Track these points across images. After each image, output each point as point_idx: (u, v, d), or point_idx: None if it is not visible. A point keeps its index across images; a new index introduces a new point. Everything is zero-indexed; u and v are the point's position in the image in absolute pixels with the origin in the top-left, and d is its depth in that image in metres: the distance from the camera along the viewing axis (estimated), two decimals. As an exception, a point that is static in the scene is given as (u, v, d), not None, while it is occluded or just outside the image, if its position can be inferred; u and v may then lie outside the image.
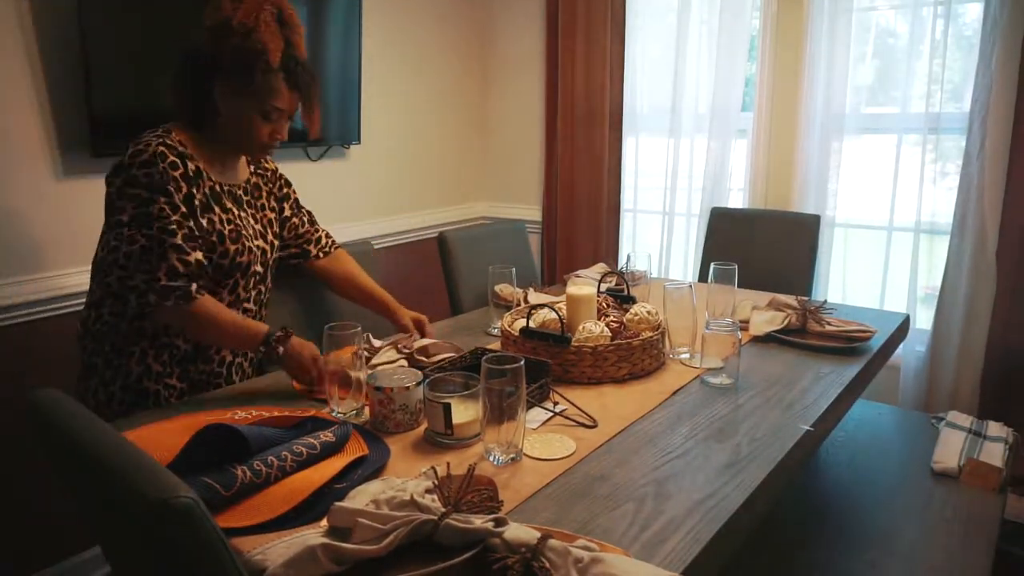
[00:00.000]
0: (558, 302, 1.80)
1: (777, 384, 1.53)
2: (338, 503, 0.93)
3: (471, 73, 3.37)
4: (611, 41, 2.97)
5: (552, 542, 0.86)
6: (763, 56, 2.69)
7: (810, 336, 1.80)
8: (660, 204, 3.01)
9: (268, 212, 1.64)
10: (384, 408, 1.27)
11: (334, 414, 1.35)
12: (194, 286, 1.38)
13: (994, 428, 1.91)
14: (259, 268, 1.57)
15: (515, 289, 1.95)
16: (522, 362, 1.15)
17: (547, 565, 0.84)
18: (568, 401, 1.40)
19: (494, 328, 1.87)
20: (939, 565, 1.42)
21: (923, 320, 2.55)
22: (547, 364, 1.44)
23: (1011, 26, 2.18)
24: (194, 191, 1.42)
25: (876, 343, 1.78)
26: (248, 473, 1.03)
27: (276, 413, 1.32)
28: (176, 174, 1.39)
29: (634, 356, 1.53)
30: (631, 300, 1.82)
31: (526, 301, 1.99)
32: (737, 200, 2.92)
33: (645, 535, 0.98)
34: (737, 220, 2.70)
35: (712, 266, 1.85)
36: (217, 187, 1.49)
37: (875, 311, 2.13)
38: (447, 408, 1.21)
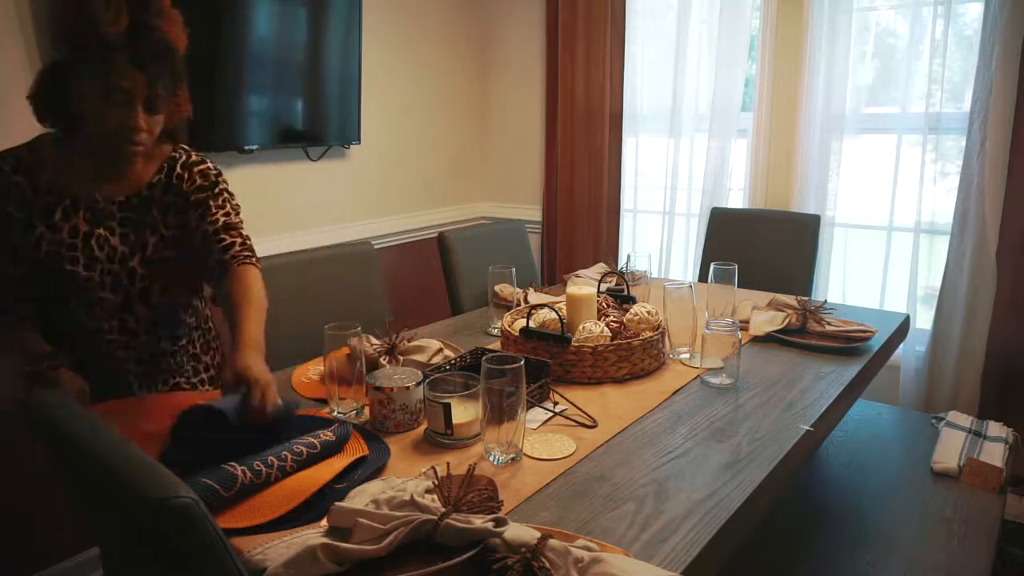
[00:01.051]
0: (558, 302, 1.81)
1: (777, 384, 1.53)
2: (338, 503, 0.93)
3: (471, 73, 3.37)
4: (611, 41, 2.97)
5: (552, 542, 0.86)
6: (763, 56, 2.69)
7: (810, 336, 1.80)
8: (660, 204, 3.01)
9: (152, 231, 1.37)
10: (384, 408, 1.27)
11: (334, 414, 1.35)
12: None
13: (994, 428, 1.91)
14: (109, 295, 1.34)
15: (515, 289, 1.95)
16: (522, 362, 1.15)
17: (547, 565, 0.84)
18: (568, 401, 1.40)
19: (494, 328, 1.87)
20: (939, 565, 1.42)
21: (923, 320, 2.55)
22: (547, 364, 1.44)
23: (1011, 26, 2.18)
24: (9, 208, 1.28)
25: (876, 343, 1.78)
26: (248, 473, 1.03)
27: None
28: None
29: (634, 356, 1.53)
30: (631, 300, 1.82)
31: (526, 301, 1.99)
32: (737, 200, 2.92)
33: (645, 535, 0.98)
34: (737, 220, 2.70)
35: (712, 266, 1.85)
36: (66, 203, 1.31)
37: (875, 311, 2.13)
38: (447, 408, 1.21)
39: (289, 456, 1.09)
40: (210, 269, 1.43)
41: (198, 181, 1.41)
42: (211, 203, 1.42)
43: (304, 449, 1.11)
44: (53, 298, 1.33)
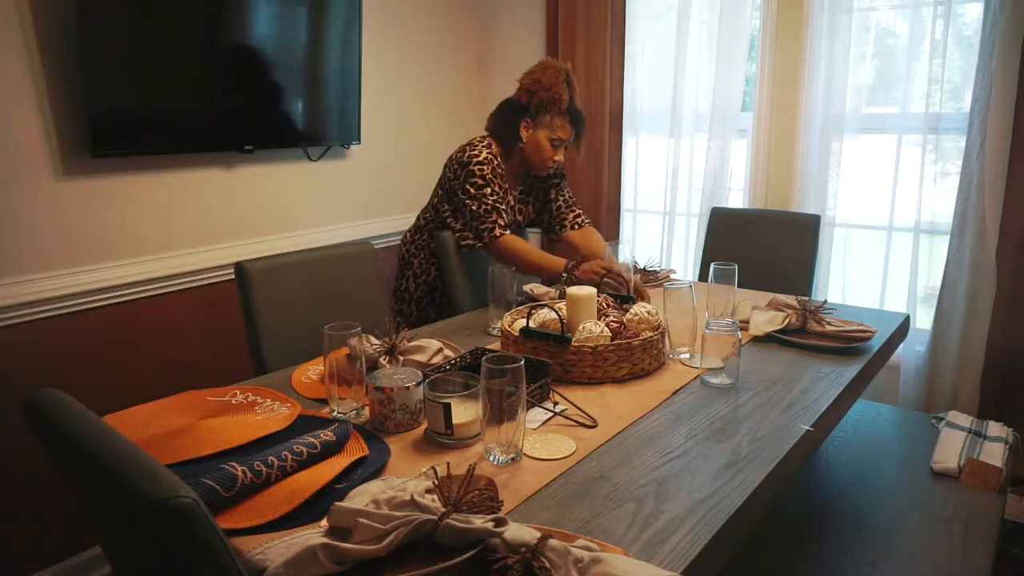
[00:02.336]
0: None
1: (777, 384, 1.53)
2: (338, 503, 0.93)
3: (471, 73, 3.37)
4: (611, 41, 2.97)
5: (552, 542, 0.86)
6: (763, 56, 2.69)
7: (810, 336, 1.80)
8: (660, 204, 3.02)
9: (529, 207, 2.35)
10: (384, 408, 1.27)
11: (334, 414, 1.35)
12: (499, 231, 2.08)
13: (994, 428, 1.91)
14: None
15: (547, 288, 2.03)
16: (522, 362, 1.15)
17: (547, 565, 0.84)
18: (568, 401, 1.40)
19: (494, 328, 1.87)
20: (939, 565, 1.42)
21: (923, 320, 2.55)
22: (547, 364, 1.44)
23: (1011, 26, 2.18)
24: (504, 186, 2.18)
25: (876, 343, 1.78)
26: (248, 473, 1.03)
27: (271, 396, 1.34)
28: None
29: (634, 356, 1.53)
30: (631, 300, 1.82)
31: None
32: (737, 200, 2.92)
33: (645, 535, 0.98)
34: (737, 220, 2.70)
35: (712, 266, 1.85)
36: (508, 192, 2.22)
37: (875, 311, 2.13)
38: (447, 408, 1.21)
39: (289, 456, 1.09)
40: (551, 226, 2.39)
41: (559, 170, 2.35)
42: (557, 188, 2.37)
43: (304, 449, 1.11)
44: None
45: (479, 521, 0.89)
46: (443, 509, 0.91)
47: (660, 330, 1.61)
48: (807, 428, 1.32)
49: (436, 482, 0.96)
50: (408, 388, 1.27)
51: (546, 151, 2.14)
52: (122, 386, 2.16)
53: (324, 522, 0.96)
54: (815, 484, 1.77)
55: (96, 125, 1.96)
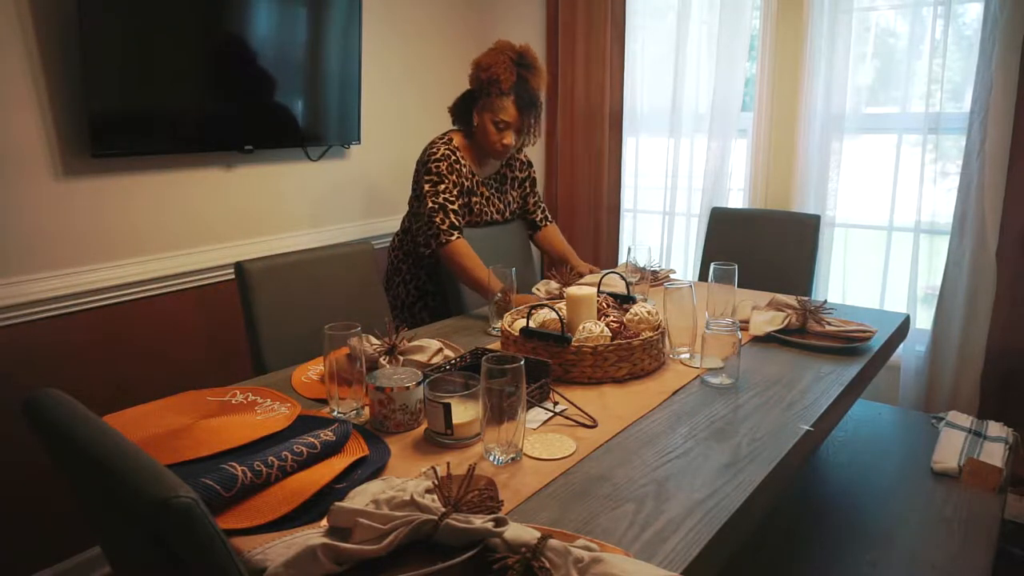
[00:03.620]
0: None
1: (777, 384, 1.53)
2: (338, 503, 0.93)
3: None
4: (611, 41, 2.97)
5: (552, 542, 0.86)
6: (763, 56, 2.69)
7: (810, 336, 1.80)
8: (660, 204, 3.02)
9: (508, 195, 2.31)
10: (384, 408, 1.27)
11: (334, 414, 1.35)
12: (446, 237, 2.03)
13: (994, 428, 1.91)
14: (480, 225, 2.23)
15: (556, 286, 2.04)
16: (522, 362, 1.15)
17: (547, 565, 0.84)
18: (568, 401, 1.40)
19: (494, 328, 1.87)
20: (939, 565, 1.42)
21: (923, 320, 2.55)
22: (547, 364, 1.44)
23: (1011, 26, 2.18)
24: (463, 181, 2.13)
25: (876, 343, 1.78)
26: (248, 473, 1.03)
27: (271, 396, 1.34)
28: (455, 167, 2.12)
29: (634, 356, 1.53)
30: (631, 300, 1.82)
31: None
32: (737, 200, 2.92)
33: (645, 535, 0.98)
34: (737, 220, 2.70)
35: (712, 266, 1.85)
36: (476, 181, 2.18)
37: (875, 311, 2.13)
38: (447, 408, 1.21)
39: (289, 456, 1.09)
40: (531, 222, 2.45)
41: (518, 165, 2.35)
42: (531, 177, 2.42)
43: (304, 449, 1.11)
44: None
45: (479, 521, 0.89)
46: (443, 509, 0.91)
47: (660, 330, 1.61)
48: (807, 428, 1.32)
49: (436, 482, 0.96)
50: (408, 388, 1.27)
51: (491, 134, 2.09)
52: (122, 386, 2.16)
53: (324, 522, 0.96)
54: (815, 484, 1.77)
55: (96, 125, 1.96)
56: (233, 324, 2.40)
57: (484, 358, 1.15)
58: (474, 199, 2.17)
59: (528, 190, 2.38)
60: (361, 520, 0.89)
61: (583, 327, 1.55)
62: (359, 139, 2.77)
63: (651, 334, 1.58)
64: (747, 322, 1.87)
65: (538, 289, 2.10)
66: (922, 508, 1.62)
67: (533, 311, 1.62)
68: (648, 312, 1.63)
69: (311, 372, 1.59)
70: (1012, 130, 2.24)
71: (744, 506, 1.07)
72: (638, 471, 1.16)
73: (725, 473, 1.15)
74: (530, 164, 2.39)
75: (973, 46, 2.33)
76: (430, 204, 2.05)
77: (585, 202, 3.16)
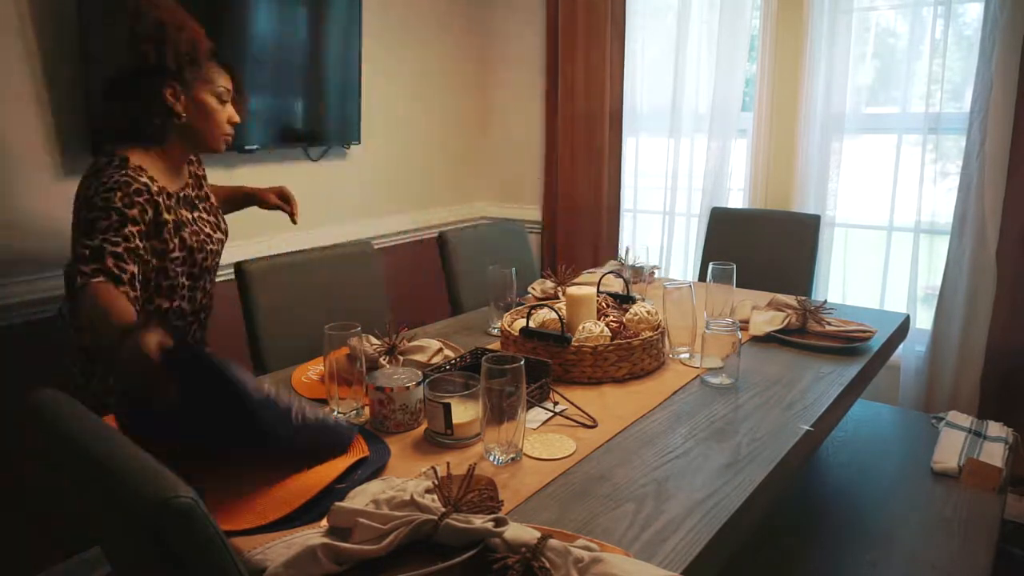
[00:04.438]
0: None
1: (777, 384, 1.53)
2: (338, 503, 0.93)
3: (471, 73, 3.37)
4: (611, 41, 2.97)
5: (552, 542, 0.86)
6: (763, 56, 2.69)
7: (810, 336, 1.80)
8: (660, 204, 3.01)
9: (217, 214, 1.74)
10: (384, 408, 1.27)
11: (334, 414, 1.35)
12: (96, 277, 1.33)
13: (994, 428, 1.91)
14: (218, 260, 1.71)
15: (552, 285, 2.04)
16: (522, 362, 1.15)
17: (547, 565, 0.84)
18: (568, 401, 1.40)
19: (494, 328, 1.87)
20: (939, 565, 1.42)
21: (923, 320, 2.55)
22: (547, 364, 1.44)
23: (1011, 26, 2.18)
24: (162, 215, 1.49)
25: (876, 343, 1.78)
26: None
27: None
28: (140, 200, 1.44)
29: (634, 356, 1.53)
30: (631, 300, 1.82)
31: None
32: (737, 200, 2.91)
33: (645, 535, 0.98)
34: (737, 220, 2.69)
35: (711, 266, 1.85)
36: (174, 200, 1.55)
37: (875, 311, 2.13)
38: (447, 408, 1.21)
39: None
40: None
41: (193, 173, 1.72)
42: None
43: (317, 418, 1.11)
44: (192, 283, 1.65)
45: (479, 521, 0.89)
46: (443, 509, 0.91)
47: (660, 330, 1.61)
48: (807, 428, 1.32)
49: (436, 482, 0.96)
50: (408, 388, 1.27)
51: (218, 112, 1.55)
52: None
53: (324, 522, 0.96)
54: (815, 484, 1.77)
55: (96, 125, 1.96)
56: (233, 324, 2.39)
57: (484, 358, 1.15)
58: (171, 228, 1.52)
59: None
60: (361, 520, 0.89)
61: (583, 327, 1.55)
62: (359, 139, 2.77)
63: (651, 334, 1.58)
64: (747, 322, 1.87)
65: (533, 288, 2.10)
66: (922, 508, 1.62)
67: (533, 311, 1.62)
68: (648, 312, 1.63)
69: (311, 372, 1.59)
70: (1012, 130, 2.24)
71: (744, 506, 1.07)
72: (638, 471, 1.16)
73: (725, 473, 1.15)
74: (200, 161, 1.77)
75: (973, 46, 2.33)
76: (88, 247, 1.36)
77: (585, 202, 3.16)
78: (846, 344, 1.73)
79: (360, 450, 1.18)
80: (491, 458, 1.17)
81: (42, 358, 2.00)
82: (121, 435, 0.89)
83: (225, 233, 1.74)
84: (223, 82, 1.56)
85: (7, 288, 1.91)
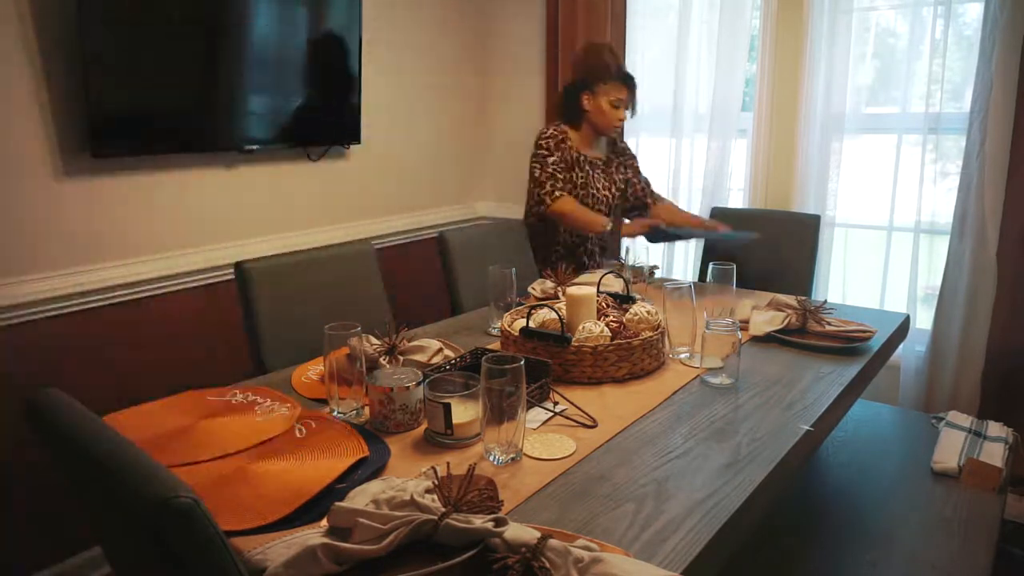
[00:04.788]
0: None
1: (777, 384, 1.53)
2: (338, 503, 0.93)
3: (471, 73, 3.37)
4: (611, 41, 2.96)
5: (552, 542, 0.86)
6: (763, 56, 2.69)
7: (810, 336, 1.80)
8: (660, 204, 3.01)
9: (615, 175, 2.57)
10: (384, 408, 1.27)
11: (334, 414, 1.35)
12: (556, 193, 2.39)
13: (994, 428, 1.91)
14: (603, 208, 2.52)
15: (551, 285, 2.06)
16: (522, 362, 1.15)
17: (547, 565, 0.84)
18: (568, 401, 1.40)
19: (494, 328, 1.87)
20: (939, 565, 1.42)
21: (923, 320, 2.55)
22: (547, 364, 1.44)
23: (1011, 26, 2.18)
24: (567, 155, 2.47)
25: (876, 343, 1.78)
26: None
27: (271, 396, 1.34)
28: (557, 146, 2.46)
29: (634, 356, 1.53)
30: (631, 300, 1.82)
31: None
32: (737, 200, 2.91)
33: (645, 535, 0.98)
34: (737, 220, 2.69)
35: (711, 265, 1.85)
36: (581, 158, 2.48)
37: (875, 311, 2.13)
38: (447, 408, 1.21)
39: None
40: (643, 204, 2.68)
41: (621, 151, 2.64)
42: (635, 166, 2.68)
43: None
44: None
45: (479, 521, 0.89)
46: (443, 509, 0.91)
47: (660, 330, 1.61)
48: (807, 428, 1.32)
49: (436, 482, 0.96)
50: (408, 388, 1.27)
51: (609, 113, 2.41)
52: (122, 386, 2.16)
53: (324, 522, 0.96)
54: (815, 484, 1.77)
55: (96, 125, 1.96)
56: (233, 324, 2.39)
57: (484, 358, 1.15)
58: (578, 172, 2.46)
59: (633, 175, 2.62)
60: (361, 520, 0.89)
61: (583, 327, 1.55)
62: (359, 139, 2.77)
63: (651, 334, 1.58)
64: (747, 322, 1.87)
65: (533, 288, 2.10)
66: (922, 508, 1.62)
67: (533, 311, 1.62)
68: (648, 312, 1.63)
69: (311, 372, 1.59)
70: (1012, 130, 2.24)
71: (744, 506, 1.07)
72: (638, 471, 1.16)
73: (725, 473, 1.15)
74: (634, 155, 2.67)
75: (973, 46, 2.33)
76: (538, 174, 2.41)
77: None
78: (846, 344, 1.73)
79: (360, 450, 1.18)
80: (491, 458, 1.17)
81: (42, 358, 2.00)
82: (121, 435, 0.89)
83: (616, 191, 2.56)
84: (618, 95, 2.39)
85: (7, 288, 1.91)
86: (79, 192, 2.04)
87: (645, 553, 0.94)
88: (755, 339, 1.82)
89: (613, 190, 2.55)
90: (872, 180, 2.63)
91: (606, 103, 2.41)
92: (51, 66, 1.93)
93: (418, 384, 1.29)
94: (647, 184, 2.66)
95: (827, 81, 2.56)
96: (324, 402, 1.40)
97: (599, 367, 1.51)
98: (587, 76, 2.43)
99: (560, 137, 2.44)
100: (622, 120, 2.45)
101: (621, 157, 2.62)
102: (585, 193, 2.47)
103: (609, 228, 2.35)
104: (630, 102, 2.46)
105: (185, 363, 2.33)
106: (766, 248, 2.58)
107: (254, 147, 2.40)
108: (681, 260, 3.02)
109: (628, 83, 2.43)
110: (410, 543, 0.90)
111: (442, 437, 1.23)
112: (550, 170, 2.40)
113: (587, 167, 2.48)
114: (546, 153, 2.42)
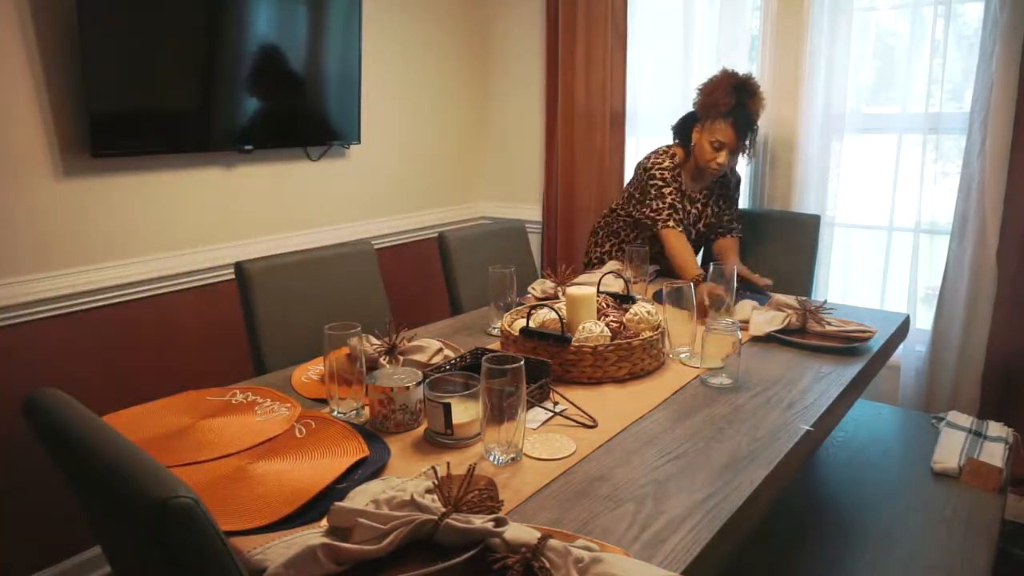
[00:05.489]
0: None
1: (777, 384, 1.53)
2: (338, 503, 0.93)
3: (471, 73, 3.37)
4: (611, 41, 2.97)
5: (552, 542, 0.86)
6: (763, 56, 2.69)
7: (810, 336, 1.80)
8: (660, 204, 3.01)
9: (708, 207, 2.47)
10: (384, 408, 1.27)
11: (334, 414, 1.35)
12: (670, 223, 2.32)
13: (994, 428, 1.91)
14: (696, 231, 2.48)
15: (552, 285, 2.06)
16: (522, 362, 1.15)
17: (547, 565, 0.84)
18: (568, 401, 1.40)
19: (494, 328, 1.87)
20: (939, 565, 1.43)
21: (923, 320, 2.55)
22: (547, 364, 1.44)
23: (1011, 26, 2.18)
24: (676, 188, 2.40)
25: (876, 343, 1.78)
26: None
27: (271, 396, 1.34)
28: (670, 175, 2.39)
29: (634, 356, 1.53)
30: (631, 300, 1.82)
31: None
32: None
33: (645, 535, 0.98)
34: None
35: (711, 265, 1.85)
36: (686, 194, 2.43)
37: (875, 311, 2.13)
38: (447, 408, 1.21)
39: None
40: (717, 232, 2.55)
41: (725, 182, 2.51)
42: (734, 196, 2.57)
43: None
44: None
45: (479, 521, 0.89)
46: (443, 509, 0.91)
47: (660, 330, 1.61)
48: (807, 428, 1.32)
49: (436, 482, 0.96)
50: (408, 388, 1.27)
51: (706, 152, 2.29)
52: (122, 386, 2.16)
53: (324, 522, 0.96)
54: (815, 484, 1.77)
55: (96, 125, 1.96)
56: (233, 324, 2.39)
57: (484, 358, 1.15)
58: (688, 206, 2.42)
59: (728, 204, 2.51)
60: (361, 520, 0.89)
61: (583, 327, 1.55)
62: (359, 139, 2.77)
63: (651, 334, 1.58)
64: (747, 322, 1.87)
65: (533, 288, 2.10)
66: (922, 508, 1.62)
67: (533, 311, 1.62)
68: (648, 312, 1.63)
69: (311, 372, 1.59)
70: (1012, 130, 2.24)
71: (744, 506, 1.07)
72: (638, 471, 1.16)
73: (725, 473, 1.15)
74: (739, 183, 2.57)
75: (973, 46, 2.33)
76: (662, 202, 2.36)
77: (585, 203, 3.16)
78: (846, 344, 1.73)
79: (360, 450, 1.18)
80: (491, 458, 1.17)
81: (42, 358, 2.00)
82: (121, 435, 0.89)
83: (704, 227, 2.48)
84: (720, 137, 2.24)
85: (7, 288, 1.91)
86: (79, 192, 2.04)
87: (645, 553, 0.94)
88: (755, 339, 1.82)
89: (700, 226, 2.47)
90: (872, 180, 2.63)
91: (705, 141, 2.29)
92: (51, 66, 1.94)
93: (418, 384, 1.29)
94: (734, 215, 2.53)
95: (827, 81, 2.56)
96: (324, 402, 1.40)
97: (599, 367, 1.51)
98: (702, 108, 2.31)
99: (675, 170, 2.37)
100: (720, 164, 2.28)
101: (722, 189, 2.50)
102: (682, 229, 2.38)
103: (699, 281, 2.11)
104: (738, 149, 2.29)
105: (185, 363, 2.33)
106: (766, 248, 2.58)
107: (254, 147, 2.40)
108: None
109: (738, 127, 2.25)
110: (410, 543, 0.90)
111: (442, 437, 1.23)
112: (669, 200, 2.33)
113: (686, 203, 2.42)
114: (661, 184, 2.34)
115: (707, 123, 2.28)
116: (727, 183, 2.50)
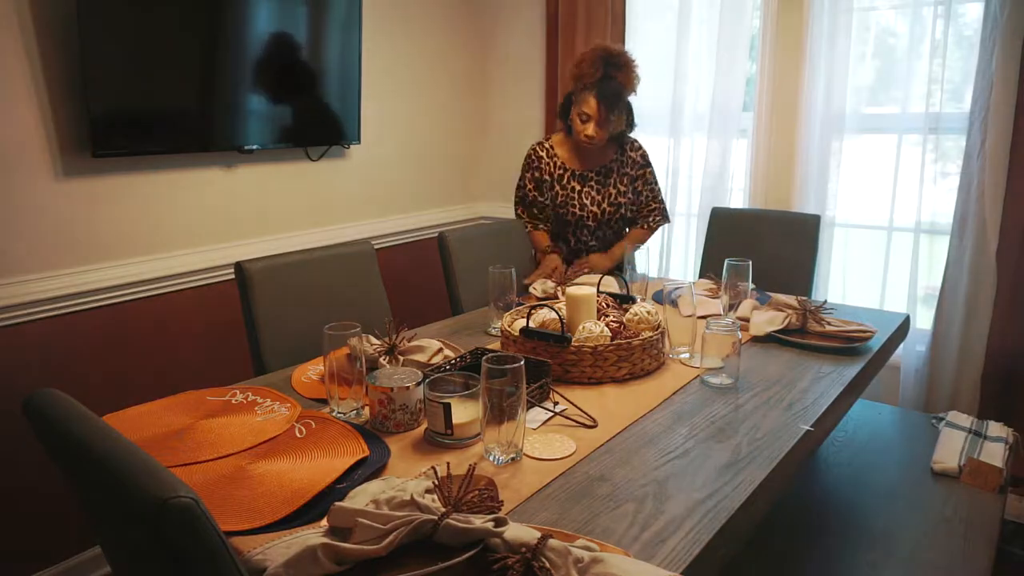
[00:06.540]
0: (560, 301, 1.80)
1: (777, 384, 1.53)
2: (338, 503, 0.93)
3: (471, 73, 3.37)
4: (611, 41, 2.96)
5: (552, 542, 0.86)
6: (763, 56, 2.69)
7: (810, 336, 1.80)
8: (660, 204, 3.01)
9: (611, 188, 2.42)
10: (384, 408, 1.27)
11: (334, 414, 1.35)
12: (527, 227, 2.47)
13: (994, 428, 1.91)
14: (590, 223, 2.43)
15: (552, 285, 2.08)
16: (522, 362, 1.15)
17: (547, 565, 0.84)
18: (568, 401, 1.40)
19: (494, 328, 1.87)
20: (939, 565, 1.43)
21: (923, 320, 2.55)
22: (547, 364, 1.44)
23: (1011, 26, 2.18)
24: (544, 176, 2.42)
25: (876, 343, 1.78)
26: None
27: (271, 396, 1.34)
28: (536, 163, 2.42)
29: (634, 356, 1.53)
30: (631, 300, 1.82)
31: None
32: (737, 200, 2.91)
33: (645, 535, 0.98)
34: (737, 220, 2.69)
35: (726, 263, 1.85)
36: (568, 173, 2.40)
37: (875, 311, 2.13)
38: (447, 408, 1.21)
39: None
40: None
41: (629, 160, 2.46)
42: (647, 175, 2.51)
43: None
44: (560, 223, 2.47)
45: (479, 521, 0.89)
46: (443, 509, 0.91)
47: (660, 330, 1.61)
48: (807, 428, 1.32)
49: (436, 482, 0.96)
50: (408, 388, 1.27)
51: (576, 125, 2.30)
52: (122, 386, 2.16)
53: (324, 522, 0.96)
54: (815, 484, 1.77)
55: (96, 125, 1.96)
56: (233, 324, 2.39)
57: (484, 358, 1.15)
58: (558, 191, 2.39)
59: (640, 187, 2.49)
60: (361, 520, 0.89)
61: (583, 327, 1.55)
62: (359, 139, 2.77)
63: (651, 334, 1.58)
64: (747, 322, 1.87)
65: (534, 288, 2.10)
66: (922, 508, 1.62)
67: (533, 311, 1.62)
68: (648, 312, 1.63)
69: (311, 372, 1.59)
70: (1012, 130, 2.24)
71: (744, 506, 1.07)
72: (638, 471, 1.16)
73: (725, 473, 1.15)
74: (645, 164, 2.51)
75: (973, 46, 2.33)
76: (515, 197, 2.47)
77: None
78: (846, 344, 1.73)
79: (360, 450, 1.18)
80: (491, 458, 1.17)
81: (42, 358, 2.00)
82: (121, 435, 0.89)
83: (609, 205, 2.42)
84: (585, 108, 2.24)
85: (7, 288, 1.91)
86: (79, 192, 2.04)
87: (645, 553, 0.94)
88: (755, 339, 1.82)
89: (605, 205, 2.42)
90: (872, 180, 2.63)
91: (576, 114, 2.29)
92: (51, 66, 1.93)
93: (418, 384, 1.29)
94: (652, 203, 2.52)
95: (827, 81, 2.56)
96: (324, 402, 1.40)
97: (599, 367, 1.51)
98: (572, 82, 2.32)
99: (540, 154, 2.39)
100: (590, 137, 2.27)
101: (626, 167, 2.46)
102: (565, 211, 2.40)
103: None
104: (605, 117, 2.26)
105: (185, 363, 2.33)
106: (766, 248, 2.58)
107: (254, 147, 2.40)
108: (681, 260, 3.02)
109: (602, 97, 2.23)
110: (410, 543, 0.90)
111: (442, 437, 1.23)
112: (520, 194, 2.43)
113: (573, 183, 2.38)
114: (522, 173, 2.39)
115: (576, 96, 2.29)
116: (630, 162, 2.46)
